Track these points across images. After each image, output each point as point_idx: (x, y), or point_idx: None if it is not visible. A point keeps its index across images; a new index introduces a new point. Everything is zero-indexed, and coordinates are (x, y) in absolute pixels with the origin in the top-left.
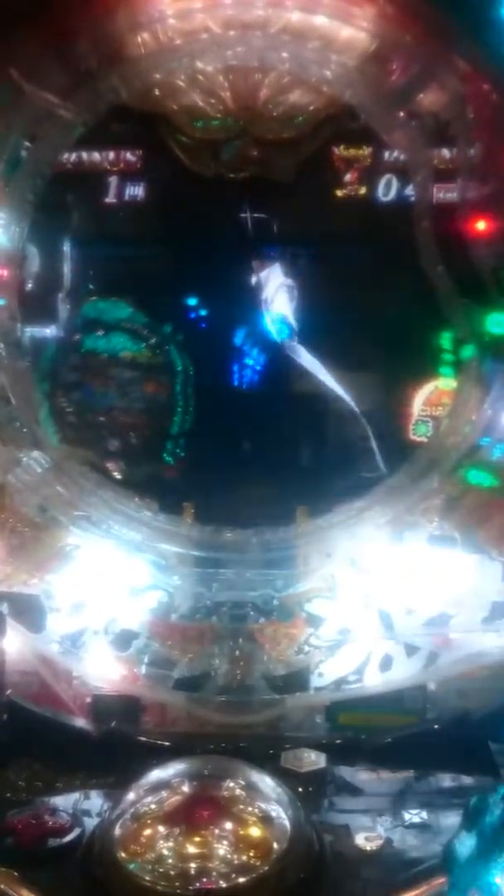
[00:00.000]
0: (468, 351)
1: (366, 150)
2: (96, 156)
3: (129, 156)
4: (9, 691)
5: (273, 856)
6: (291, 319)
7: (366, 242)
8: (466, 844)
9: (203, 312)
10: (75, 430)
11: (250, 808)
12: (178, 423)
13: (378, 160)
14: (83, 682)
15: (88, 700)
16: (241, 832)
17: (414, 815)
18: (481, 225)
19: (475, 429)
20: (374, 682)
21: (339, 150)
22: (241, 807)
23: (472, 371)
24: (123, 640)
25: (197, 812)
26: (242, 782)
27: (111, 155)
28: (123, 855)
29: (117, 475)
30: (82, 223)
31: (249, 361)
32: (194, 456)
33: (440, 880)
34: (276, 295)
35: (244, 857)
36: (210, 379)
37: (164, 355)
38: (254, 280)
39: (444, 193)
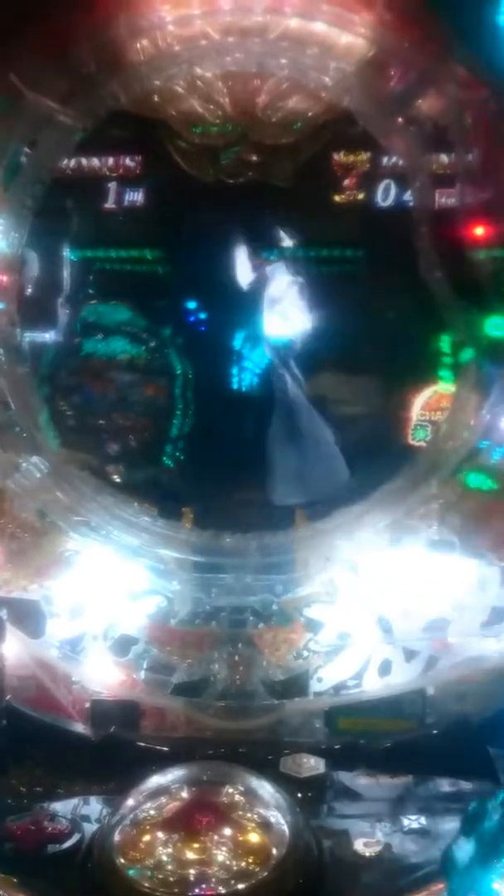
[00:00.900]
0: (467, 355)
1: (364, 156)
2: (95, 161)
3: (128, 161)
4: (8, 696)
5: (272, 861)
6: (297, 319)
7: (364, 247)
8: (465, 850)
9: (202, 316)
10: (75, 433)
11: (249, 814)
12: (177, 427)
13: (376, 165)
14: (82, 687)
15: (87, 705)
16: (240, 838)
17: (413, 821)
18: (479, 230)
19: (474, 432)
20: (373, 686)
21: (338, 156)
22: (240, 812)
23: (470, 375)
24: (122, 645)
25: (196, 818)
26: (241, 788)
27: (110, 160)
28: (122, 861)
29: (116, 479)
30: (82, 228)
31: (249, 365)
32: (194, 459)
33: (439, 886)
34: (285, 294)
35: (243, 863)
36: (210, 382)
37: (164, 358)
38: (252, 284)
39: (443, 199)
